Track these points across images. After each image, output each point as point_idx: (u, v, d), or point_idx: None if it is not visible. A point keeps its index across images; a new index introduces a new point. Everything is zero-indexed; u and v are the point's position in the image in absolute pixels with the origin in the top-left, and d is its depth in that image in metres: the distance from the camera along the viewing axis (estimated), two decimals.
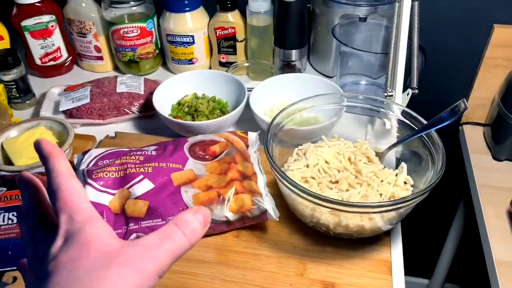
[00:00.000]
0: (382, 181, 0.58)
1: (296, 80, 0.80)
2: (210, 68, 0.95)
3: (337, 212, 0.51)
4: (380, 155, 0.63)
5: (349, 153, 0.62)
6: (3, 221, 0.57)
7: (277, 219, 0.56)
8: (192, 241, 0.31)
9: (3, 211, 0.59)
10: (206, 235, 0.57)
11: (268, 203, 0.57)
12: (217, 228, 0.57)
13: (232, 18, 0.86)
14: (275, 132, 0.60)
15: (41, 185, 0.35)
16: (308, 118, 0.67)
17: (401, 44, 0.65)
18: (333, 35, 0.77)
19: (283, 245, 0.57)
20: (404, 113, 0.63)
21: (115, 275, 0.27)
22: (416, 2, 0.63)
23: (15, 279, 0.53)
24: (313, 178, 0.60)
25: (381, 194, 0.57)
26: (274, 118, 0.60)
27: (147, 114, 0.81)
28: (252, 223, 0.58)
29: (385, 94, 0.67)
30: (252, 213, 0.56)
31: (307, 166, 0.61)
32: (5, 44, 0.86)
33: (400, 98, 0.68)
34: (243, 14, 0.87)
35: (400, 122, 0.63)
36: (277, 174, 0.53)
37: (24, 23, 0.85)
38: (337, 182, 0.59)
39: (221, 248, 0.57)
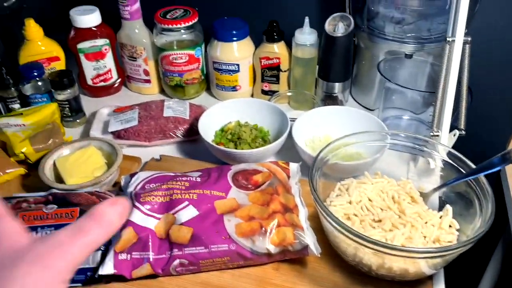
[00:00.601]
0: (426, 222, 0.58)
1: (338, 113, 0.80)
2: (252, 95, 0.97)
3: (380, 254, 0.50)
4: (424, 196, 0.62)
5: (393, 191, 0.62)
6: None
7: (319, 255, 0.56)
8: (108, 233, 0.29)
9: (53, 228, 0.61)
10: (246, 266, 0.58)
11: (309, 238, 0.57)
12: (258, 259, 0.57)
13: (277, 49, 0.88)
14: (320, 166, 0.61)
15: None
16: (351, 153, 0.67)
17: (450, 84, 0.65)
18: (378, 71, 0.78)
19: (323, 282, 0.56)
20: (450, 154, 0.62)
21: (23, 273, 0.25)
22: (467, 45, 0.63)
23: None
24: (356, 215, 0.59)
25: (425, 237, 0.56)
26: (320, 152, 0.61)
27: (191, 139, 0.83)
28: (292, 257, 0.58)
29: (431, 133, 0.67)
30: (293, 247, 0.57)
31: (350, 203, 0.61)
32: (61, 65, 0.91)
33: (446, 139, 0.67)
34: (288, 45, 0.89)
35: (445, 162, 0.63)
36: (322, 211, 0.53)
37: (80, 45, 0.90)
38: (380, 221, 0.59)
39: (261, 280, 0.57)
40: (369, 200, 0.61)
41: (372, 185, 0.63)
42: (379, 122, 0.76)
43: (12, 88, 0.84)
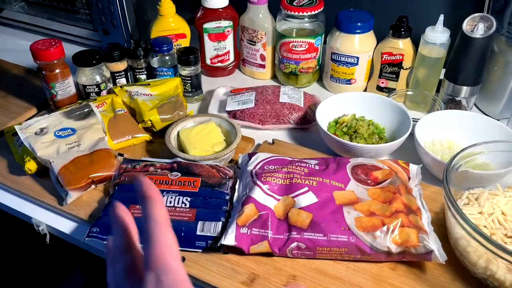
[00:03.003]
0: None
1: (464, 118, 0.76)
2: (365, 90, 0.95)
3: None
4: None
5: None
6: (178, 204, 0.63)
7: (443, 263, 0.54)
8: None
9: (177, 194, 0.65)
10: (362, 261, 0.57)
11: (434, 243, 0.55)
12: (375, 256, 0.56)
13: (402, 45, 0.85)
14: (452, 172, 0.58)
15: (132, 227, 0.33)
16: (478, 163, 0.63)
17: None
18: None
19: None
20: None
21: None
22: None
23: (183, 259, 0.58)
24: (485, 227, 0.56)
25: None
26: (454, 157, 0.58)
27: (303, 127, 0.84)
28: (411, 260, 0.56)
29: None
30: (416, 250, 0.55)
31: (481, 213, 0.57)
32: (186, 42, 0.95)
33: None
34: (414, 42, 0.85)
35: None
36: (456, 214, 0.51)
37: (206, 25, 0.93)
38: None
39: (377, 277, 0.56)
40: (503, 213, 0.57)
41: (505, 198, 0.59)
42: (510, 133, 0.70)
43: (142, 59, 0.89)
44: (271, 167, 0.66)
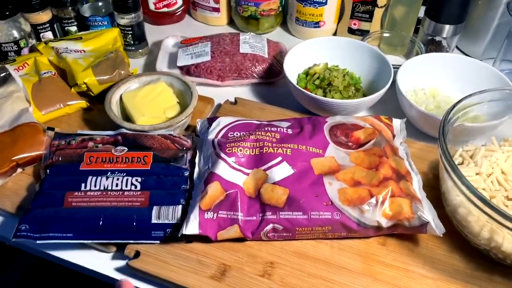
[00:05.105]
0: None
1: (448, 62, 0.67)
2: (335, 33, 0.84)
3: None
4: None
5: None
6: (126, 186, 0.52)
7: (440, 235, 0.47)
8: None
9: (125, 174, 0.54)
10: (347, 237, 0.49)
11: (428, 213, 0.48)
12: (364, 232, 0.49)
13: None
14: (448, 128, 0.50)
15: None
16: (472, 116, 0.56)
17: None
18: (508, 12, 0.64)
19: (441, 265, 0.48)
20: None
21: None
22: None
23: (138, 253, 0.48)
24: (484, 190, 0.49)
25: None
26: (450, 111, 0.49)
27: (269, 81, 0.73)
28: (404, 233, 0.49)
29: None
30: (410, 222, 0.48)
31: (478, 174, 0.50)
32: None
33: None
34: None
35: None
36: (456, 177, 0.43)
37: None
38: None
39: (365, 256, 0.49)
40: (502, 172, 0.50)
41: (504, 154, 0.52)
42: (501, 77, 0.63)
43: (70, 7, 0.73)
44: (236, 134, 0.56)
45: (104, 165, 0.54)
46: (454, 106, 0.50)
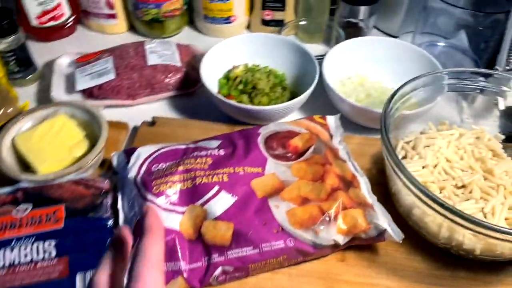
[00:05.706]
0: None
1: (370, 45, 0.65)
2: (248, 27, 0.78)
3: (489, 239, 0.39)
4: (507, 147, 0.51)
5: (472, 146, 0.50)
6: (38, 255, 0.43)
7: (400, 241, 0.44)
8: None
9: (33, 239, 0.44)
10: (305, 261, 0.45)
11: (383, 219, 0.45)
12: (320, 253, 0.45)
13: None
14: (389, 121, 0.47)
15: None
16: (411, 103, 0.53)
17: None
18: None
19: (403, 271, 0.45)
20: None
21: None
22: None
23: None
24: (433, 182, 0.47)
25: None
26: (389, 103, 0.46)
27: (187, 91, 0.65)
28: (362, 244, 0.46)
29: (507, 67, 0.54)
30: (367, 234, 0.44)
31: (425, 167, 0.48)
32: None
33: None
34: None
35: None
36: (407, 181, 0.41)
37: None
38: (463, 186, 0.47)
39: (326, 277, 0.45)
40: (447, 161, 0.48)
41: (444, 140, 0.50)
42: (428, 58, 0.61)
43: None
44: (161, 166, 0.48)
45: (5, 233, 0.44)
46: (392, 96, 0.47)
